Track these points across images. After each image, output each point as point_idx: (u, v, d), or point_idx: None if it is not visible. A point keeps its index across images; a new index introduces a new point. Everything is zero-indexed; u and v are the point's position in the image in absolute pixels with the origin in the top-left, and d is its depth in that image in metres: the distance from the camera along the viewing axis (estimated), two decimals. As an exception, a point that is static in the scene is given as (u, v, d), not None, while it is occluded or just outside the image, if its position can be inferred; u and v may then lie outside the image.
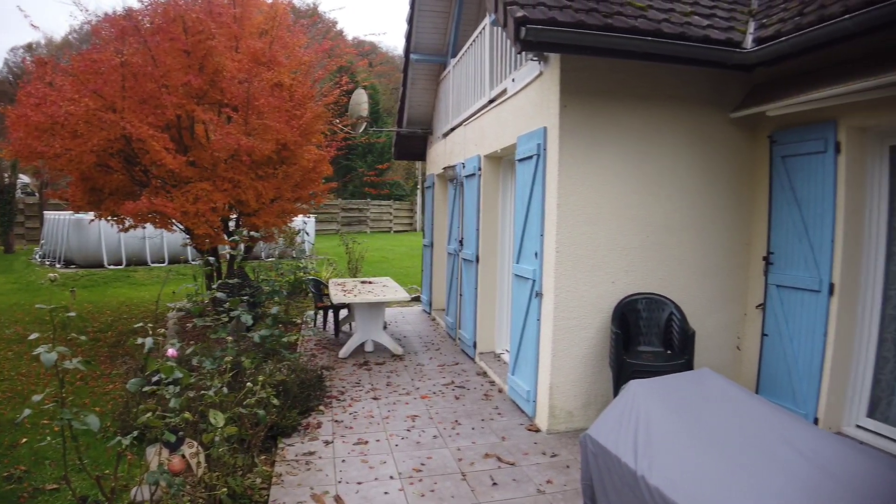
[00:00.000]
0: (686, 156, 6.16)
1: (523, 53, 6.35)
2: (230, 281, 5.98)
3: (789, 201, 5.78)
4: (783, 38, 5.15)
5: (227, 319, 5.54)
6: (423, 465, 5.22)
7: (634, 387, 3.93)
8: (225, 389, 4.57)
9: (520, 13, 5.05)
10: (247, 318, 5.36)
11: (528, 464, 5.27)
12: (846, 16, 4.54)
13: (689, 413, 3.67)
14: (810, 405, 5.55)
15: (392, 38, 75.77)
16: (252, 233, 6.74)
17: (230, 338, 5.40)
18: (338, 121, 12.31)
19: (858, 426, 5.52)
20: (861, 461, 3.07)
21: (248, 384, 4.74)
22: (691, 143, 6.17)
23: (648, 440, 3.45)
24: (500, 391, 7.21)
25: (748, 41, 5.63)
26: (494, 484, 4.89)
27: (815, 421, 5.50)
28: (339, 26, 46.43)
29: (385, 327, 9.74)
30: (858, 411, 5.57)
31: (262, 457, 5.21)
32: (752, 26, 5.86)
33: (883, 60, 4.66)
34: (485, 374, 7.97)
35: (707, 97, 6.19)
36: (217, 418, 4.12)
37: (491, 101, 7.92)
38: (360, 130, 13.09)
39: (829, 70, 5.26)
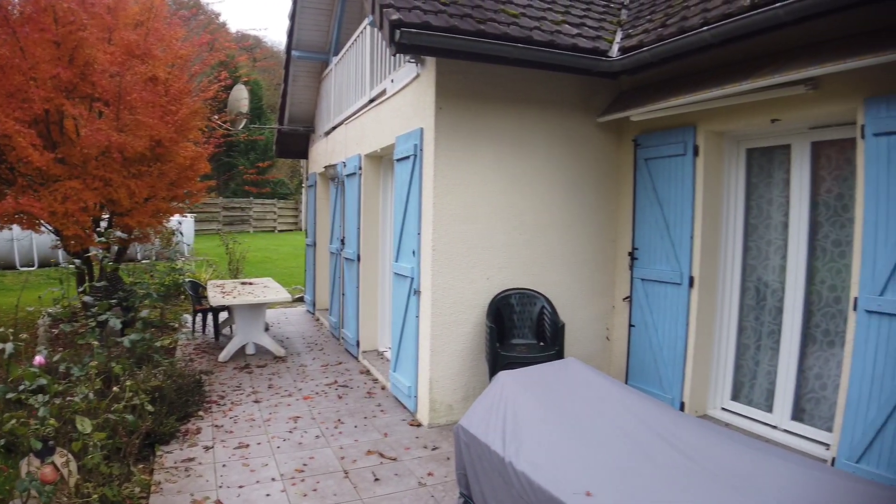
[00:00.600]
0: (557, 157, 6.47)
1: (399, 55, 6.47)
2: (99, 284, 5.79)
3: (652, 201, 6.20)
4: (645, 48, 5.52)
5: (94, 324, 5.37)
6: (305, 465, 5.23)
7: (503, 377, 4.13)
8: (92, 395, 4.44)
9: (395, 16, 5.15)
10: (115, 323, 5.20)
11: (409, 458, 5.39)
12: (704, 28, 4.94)
13: (554, 400, 3.90)
14: (676, 390, 5.97)
15: (277, 32, 74.13)
16: (121, 233, 6.51)
17: (97, 343, 5.23)
18: (216, 117, 12.05)
19: (724, 409, 6.00)
20: (713, 439, 3.37)
21: (115, 389, 4.62)
22: (562, 146, 6.49)
23: (516, 428, 3.64)
24: (384, 388, 7.30)
25: (614, 50, 5.98)
26: (377, 480, 4.97)
27: (681, 405, 5.92)
28: (221, 18, 45.14)
29: (267, 329, 9.61)
30: (723, 395, 6.05)
31: (141, 465, 5.06)
32: (619, 36, 6.24)
33: (735, 71, 5.10)
34: (368, 372, 8.04)
35: (577, 102, 6.53)
36: (84, 425, 4.00)
37: (371, 101, 7.99)
38: (240, 127, 12.85)
39: (687, 79, 5.68)
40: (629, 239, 6.58)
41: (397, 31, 5.14)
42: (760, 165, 5.75)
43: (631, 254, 6.50)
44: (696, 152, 5.77)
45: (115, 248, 9.12)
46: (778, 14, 4.32)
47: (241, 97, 12.51)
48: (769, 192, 5.67)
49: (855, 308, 4.47)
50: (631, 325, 6.50)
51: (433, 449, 5.57)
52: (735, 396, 6.01)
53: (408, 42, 5.18)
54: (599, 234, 6.74)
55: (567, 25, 6.12)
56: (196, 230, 24.03)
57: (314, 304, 12.11)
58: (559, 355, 5.77)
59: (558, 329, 5.96)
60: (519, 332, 6.25)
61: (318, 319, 11.77)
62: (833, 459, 4.59)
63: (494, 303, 6.13)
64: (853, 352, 4.47)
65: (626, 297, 6.58)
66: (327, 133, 11.02)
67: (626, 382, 6.56)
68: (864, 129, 4.43)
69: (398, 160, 6.68)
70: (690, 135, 5.79)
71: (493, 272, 6.22)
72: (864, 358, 4.39)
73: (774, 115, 5.15)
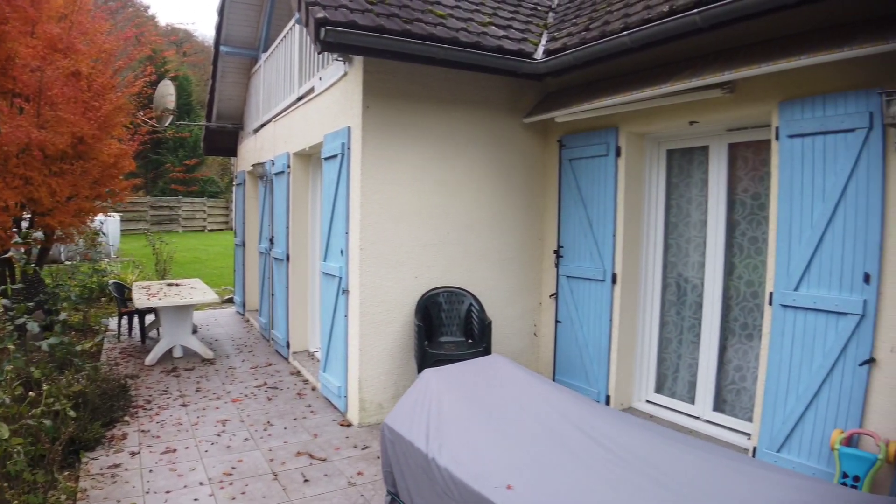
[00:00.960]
0: (485, 157, 6.57)
1: (327, 53, 6.47)
2: (15, 286, 5.63)
3: (576, 200, 6.37)
4: (568, 51, 5.66)
5: (12, 328, 5.23)
6: (234, 468, 5.17)
7: (428, 375, 4.20)
8: (9, 401, 4.33)
9: (320, 14, 5.13)
10: (33, 326, 5.08)
11: (339, 458, 5.40)
12: (625, 32, 5.10)
13: (477, 397, 3.99)
14: (601, 384, 6.15)
15: (208, 26, 72.34)
16: (41, 234, 6.34)
17: (13, 347, 5.09)
18: (142, 113, 11.78)
19: (648, 401, 6.21)
20: (632, 431, 3.49)
21: (31, 394, 4.51)
22: (490, 146, 6.59)
23: (439, 424, 3.70)
24: (314, 389, 7.28)
25: (539, 52, 6.11)
26: (306, 481, 4.96)
27: (607, 398, 6.10)
28: (151, 11, 44.05)
29: (195, 331, 9.45)
30: (647, 387, 6.26)
31: (66, 472, 4.94)
32: (544, 38, 6.37)
33: (656, 75, 5.29)
34: (299, 373, 7.99)
35: (505, 103, 6.64)
36: (1, 430, 3.92)
37: (300, 99, 7.93)
38: (167, 124, 12.58)
39: (610, 81, 5.86)
40: (555, 237, 6.74)
41: (322, 30, 5.11)
42: (680, 166, 5.97)
43: (557, 252, 6.67)
44: (618, 153, 5.95)
45: (36, 249, 8.85)
46: (695, 20, 4.51)
47: (167, 93, 12.23)
48: (689, 191, 5.89)
49: (770, 302, 4.72)
50: (557, 322, 6.66)
51: (363, 448, 5.59)
52: (659, 389, 6.23)
53: (333, 41, 5.16)
54: (527, 232, 6.89)
55: (494, 27, 6.22)
56: (123, 230, 23.32)
57: (244, 305, 11.94)
58: (486, 352, 5.88)
59: (485, 326, 6.06)
60: (447, 329, 6.33)
61: (248, 321, 11.61)
62: (754, 449, 4.82)
63: (423, 301, 6.19)
64: (770, 345, 4.71)
65: (553, 294, 6.74)
66: (256, 130, 10.89)
67: (553, 377, 6.73)
68: (779, 131, 4.66)
69: (326, 159, 6.66)
70: (613, 136, 5.98)
71: (421, 271, 6.27)
72: (780, 350, 4.64)
73: (693, 117, 5.36)
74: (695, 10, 4.48)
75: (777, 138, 4.69)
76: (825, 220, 4.37)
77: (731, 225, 5.50)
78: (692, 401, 5.83)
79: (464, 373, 4.32)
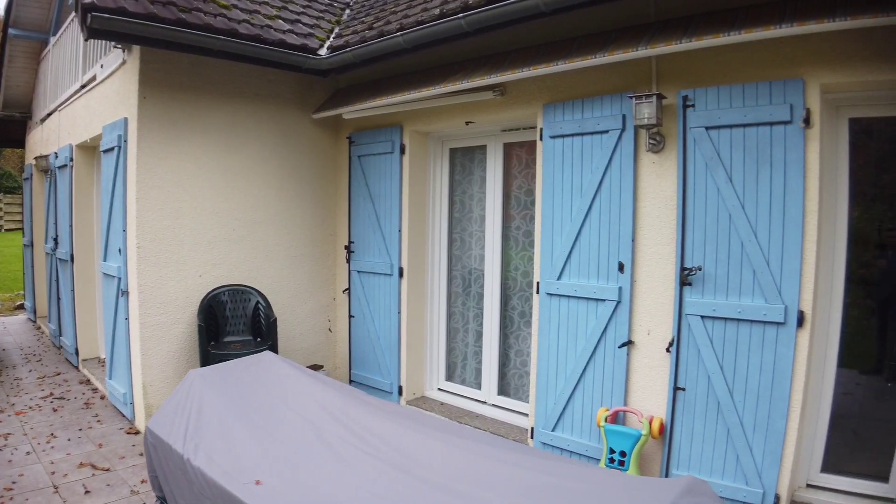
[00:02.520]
0: (275, 152, 6.49)
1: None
2: None
3: (365, 196, 6.48)
4: (349, 49, 5.72)
5: None
6: (14, 483, 4.83)
7: (192, 376, 4.12)
8: None
9: (87, -1, 4.81)
10: None
11: (124, 467, 5.17)
12: (399, 33, 5.23)
13: (240, 395, 3.96)
14: (394, 376, 6.29)
15: None
16: None
17: None
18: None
19: (440, 389, 6.45)
20: (397, 425, 3.59)
21: None
22: (279, 141, 6.51)
23: (198, 425, 3.64)
24: (103, 398, 6.90)
25: (324, 48, 6.12)
26: (87, 492, 4.71)
27: (399, 389, 6.25)
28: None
29: (-28, 340, 8.73)
30: (438, 376, 6.48)
31: None
32: (333, 35, 6.41)
33: (434, 76, 5.47)
34: (88, 381, 7.54)
35: (295, 99, 6.59)
36: None
37: (83, 87, 7.41)
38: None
39: (393, 81, 5.98)
40: (346, 233, 6.82)
41: (89, 16, 4.79)
42: (463, 164, 6.23)
43: (348, 247, 6.75)
44: (402, 150, 6.11)
45: None
46: (461, 24, 4.73)
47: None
48: (470, 188, 6.17)
49: (538, 291, 5.04)
50: (351, 316, 6.76)
51: (147, 455, 5.42)
52: (450, 377, 6.47)
53: (100, 27, 4.87)
54: (319, 228, 6.89)
55: (281, 21, 6.16)
56: None
57: (35, 311, 11.03)
58: (274, 349, 5.85)
59: (271, 324, 6.00)
60: (234, 328, 6.21)
61: (39, 328, 10.76)
62: (532, 429, 5.14)
63: (206, 301, 6.00)
64: (539, 331, 5.05)
65: (346, 290, 6.83)
66: (43, 120, 10.10)
67: (350, 371, 6.82)
68: (542, 132, 4.99)
69: (104, 151, 6.29)
70: (398, 134, 6.13)
71: (206, 269, 6.09)
72: (548, 336, 4.98)
73: (469, 118, 5.61)
74: (461, 15, 4.68)
75: (541, 139, 5.02)
76: (583, 214, 4.74)
77: (508, 219, 5.83)
78: (479, 386, 6.12)
79: (230, 372, 4.28)
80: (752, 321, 3.98)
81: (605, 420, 4.57)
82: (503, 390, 5.96)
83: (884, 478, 3.86)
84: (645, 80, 4.45)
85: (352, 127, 6.66)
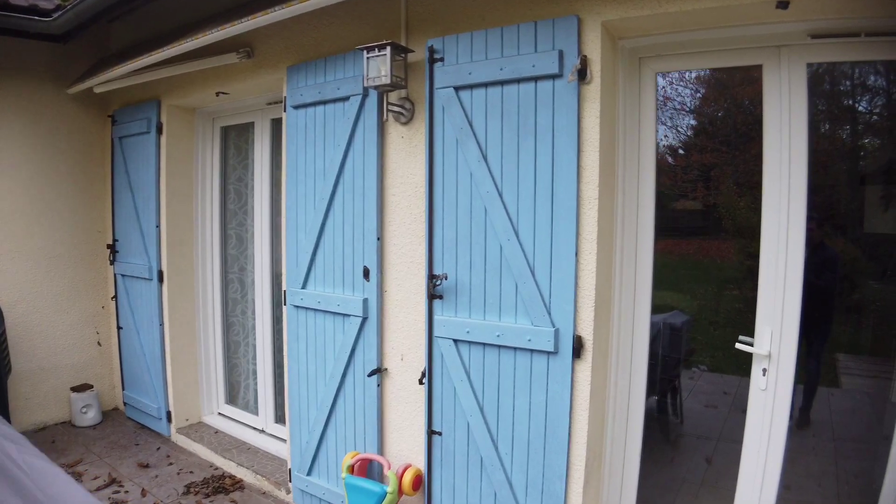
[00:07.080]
0: (21, 135, 4.94)
1: None
2: None
3: (125, 186, 5.00)
4: (71, 6, 4.26)
5: None
6: None
7: None
8: None
9: None
10: None
11: None
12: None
13: None
14: (161, 398, 4.91)
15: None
16: None
17: None
18: None
19: (220, 414, 5.10)
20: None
21: None
22: (28, 122, 4.96)
23: None
24: None
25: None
26: None
27: (168, 415, 4.89)
28: None
29: None
30: (218, 399, 5.13)
31: None
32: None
33: (184, 34, 3.98)
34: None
35: (46, 71, 5.04)
36: None
37: None
38: None
39: (147, 45, 4.50)
40: (112, 230, 5.32)
41: None
42: (237, 146, 4.86)
43: (111, 246, 5.21)
44: (159, 130, 4.66)
45: None
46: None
47: None
48: (246, 174, 4.81)
49: (285, 302, 3.75)
50: (119, 328, 5.26)
51: None
52: (232, 400, 5.15)
53: None
54: (83, 224, 5.32)
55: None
56: None
57: None
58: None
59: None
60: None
61: None
62: (290, 471, 3.83)
63: None
64: (287, 351, 3.82)
65: (114, 297, 5.34)
66: None
67: (122, 393, 5.37)
68: (286, 100, 3.68)
69: None
70: (154, 110, 4.68)
71: None
72: (297, 357, 3.77)
73: (220, 87, 4.27)
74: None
75: (285, 109, 3.70)
76: (325, 204, 3.46)
77: (278, 212, 4.45)
78: (257, 412, 4.79)
79: None
80: (515, 348, 2.77)
81: (350, 470, 3.29)
82: (280, 417, 4.61)
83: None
84: (398, 28, 3.16)
85: (117, 103, 5.15)
